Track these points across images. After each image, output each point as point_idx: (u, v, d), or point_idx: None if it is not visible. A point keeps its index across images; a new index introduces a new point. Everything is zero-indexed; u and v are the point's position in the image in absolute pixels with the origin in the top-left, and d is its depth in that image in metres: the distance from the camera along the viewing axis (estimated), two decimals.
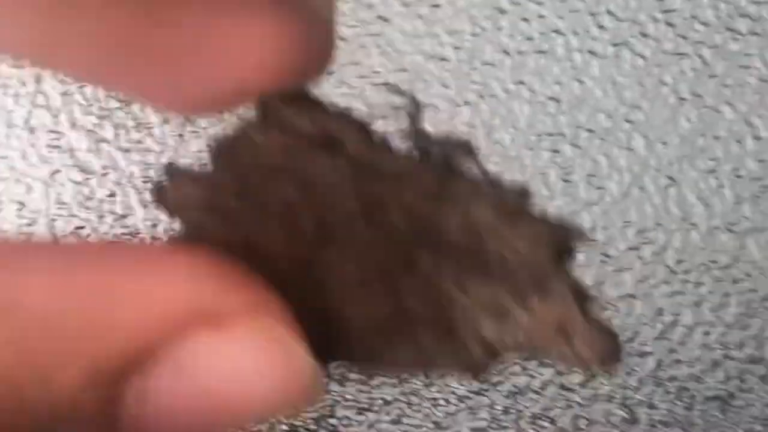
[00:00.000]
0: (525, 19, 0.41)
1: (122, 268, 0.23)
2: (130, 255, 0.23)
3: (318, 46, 0.28)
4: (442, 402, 0.40)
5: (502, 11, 0.42)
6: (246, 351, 0.23)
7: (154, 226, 0.42)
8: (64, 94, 0.42)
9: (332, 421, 0.40)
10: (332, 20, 0.29)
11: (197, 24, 0.25)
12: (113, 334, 0.22)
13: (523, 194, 0.31)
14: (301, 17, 0.27)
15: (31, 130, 0.42)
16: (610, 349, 0.27)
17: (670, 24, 0.41)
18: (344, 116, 0.28)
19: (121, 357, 0.22)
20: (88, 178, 0.42)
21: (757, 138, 0.41)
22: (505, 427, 0.40)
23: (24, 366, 0.21)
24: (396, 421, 0.40)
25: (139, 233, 0.43)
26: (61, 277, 0.22)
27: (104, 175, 0.41)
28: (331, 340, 0.27)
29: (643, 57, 0.41)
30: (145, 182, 0.39)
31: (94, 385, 0.21)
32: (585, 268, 0.41)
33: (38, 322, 0.22)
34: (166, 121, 0.42)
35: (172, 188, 0.27)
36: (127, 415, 0.22)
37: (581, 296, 0.27)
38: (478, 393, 0.40)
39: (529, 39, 0.41)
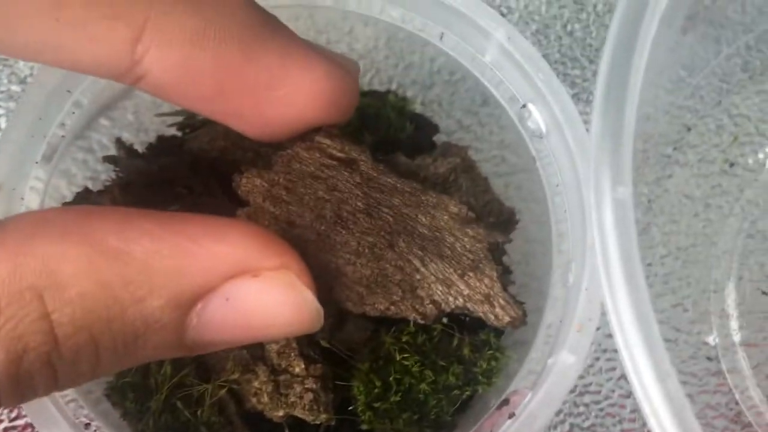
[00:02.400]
0: None
1: (199, 232, 0.32)
2: (205, 223, 0.32)
3: (350, 94, 0.39)
4: None
5: None
6: (272, 292, 0.33)
7: None
8: None
9: None
10: (357, 79, 0.40)
11: (272, 62, 0.36)
12: (188, 276, 0.31)
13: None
14: (341, 69, 0.38)
15: None
16: (519, 315, 0.40)
17: None
18: (360, 145, 0.41)
19: (191, 291, 0.32)
20: None
21: None
22: None
23: (126, 290, 0.30)
24: None
25: None
26: (159, 236, 0.31)
27: None
28: (333, 288, 0.39)
29: None
30: None
31: (171, 308, 0.31)
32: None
33: (140, 264, 0.31)
34: None
35: (245, 179, 0.39)
36: (191, 328, 0.32)
37: (502, 277, 0.40)
38: None
39: None
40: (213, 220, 0.33)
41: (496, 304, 0.39)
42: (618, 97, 0.37)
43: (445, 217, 0.40)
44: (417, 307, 0.39)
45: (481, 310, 0.40)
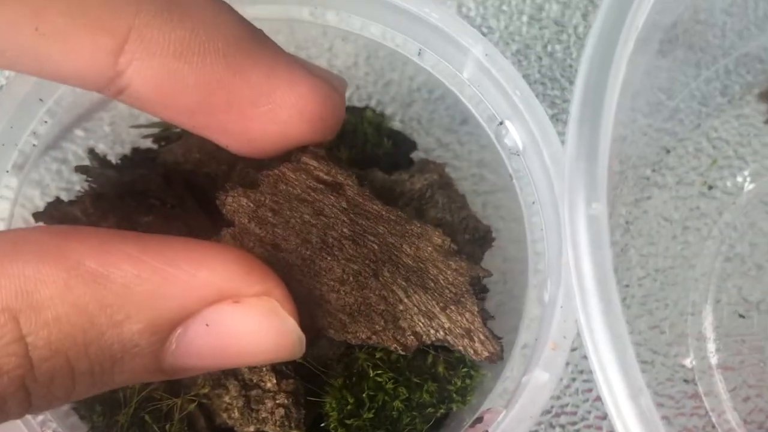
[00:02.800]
0: None
1: (180, 255, 0.31)
2: (186, 246, 0.32)
3: (336, 112, 0.38)
4: None
5: None
6: (253, 319, 0.33)
7: None
8: None
9: None
10: (344, 96, 0.40)
11: (257, 77, 0.35)
12: (168, 301, 0.31)
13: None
14: (327, 85, 0.37)
15: None
16: (497, 351, 0.40)
17: None
18: (347, 170, 0.40)
19: (170, 316, 0.31)
20: None
21: None
22: None
23: (103, 314, 0.30)
24: None
25: None
26: (138, 259, 0.30)
27: None
28: (315, 315, 0.39)
29: None
30: None
31: (150, 333, 0.31)
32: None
33: (119, 287, 0.30)
34: None
35: (231, 198, 0.38)
36: (170, 353, 0.32)
37: (483, 312, 0.39)
38: None
39: None
40: (194, 243, 0.32)
41: (476, 338, 0.39)
42: (593, 113, 0.37)
43: (429, 248, 0.40)
44: (398, 338, 0.39)
45: (460, 344, 0.39)
